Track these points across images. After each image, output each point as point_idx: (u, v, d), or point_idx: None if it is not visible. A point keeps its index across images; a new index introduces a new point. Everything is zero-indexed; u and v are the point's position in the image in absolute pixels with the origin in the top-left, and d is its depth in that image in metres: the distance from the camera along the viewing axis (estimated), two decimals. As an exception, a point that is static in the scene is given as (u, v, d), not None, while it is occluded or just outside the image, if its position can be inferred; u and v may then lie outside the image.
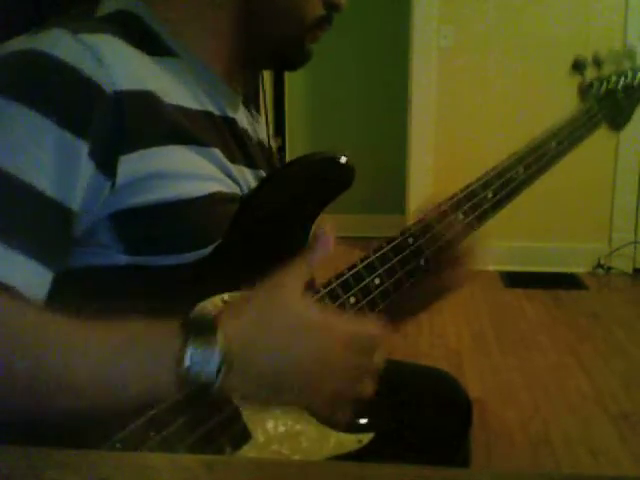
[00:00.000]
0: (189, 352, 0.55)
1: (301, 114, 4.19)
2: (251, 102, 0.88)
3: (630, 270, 3.41)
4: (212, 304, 0.67)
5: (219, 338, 0.56)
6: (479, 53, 3.38)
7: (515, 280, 3.31)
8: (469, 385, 1.02)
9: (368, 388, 0.63)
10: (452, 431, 0.97)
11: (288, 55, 0.80)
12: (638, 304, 3.06)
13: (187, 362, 0.55)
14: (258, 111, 0.93)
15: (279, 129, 3.94)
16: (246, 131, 0.82)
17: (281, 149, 3.69)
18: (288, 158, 3.88)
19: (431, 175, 3.46)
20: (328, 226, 0.66)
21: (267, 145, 0.88)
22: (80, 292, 0.64)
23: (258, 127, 0.88)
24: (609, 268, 3.41)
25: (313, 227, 0.76)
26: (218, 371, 0.55)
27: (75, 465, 0.44)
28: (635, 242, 3.41)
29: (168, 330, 0.57)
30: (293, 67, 0.83)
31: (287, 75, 3.96)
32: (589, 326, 2.74)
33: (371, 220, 4.02)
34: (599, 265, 3.42)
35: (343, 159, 0.75)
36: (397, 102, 3.82)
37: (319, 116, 4.22)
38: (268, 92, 3.80)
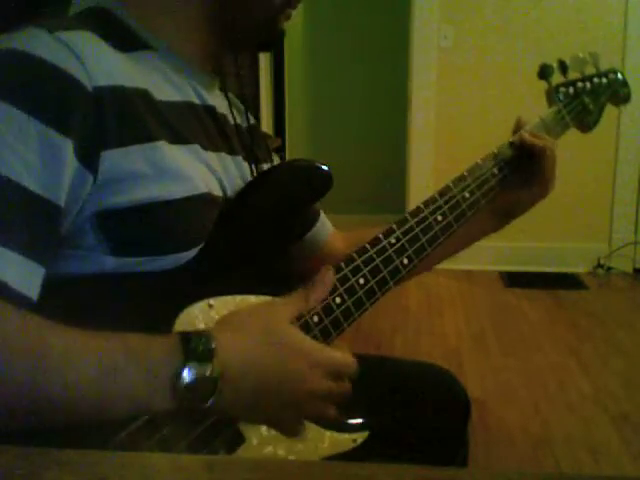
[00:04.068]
0: (187, 369, 0.57)
1: (301, 114, 4.19)
2: (229, 86, 0.87)
3: (630, 270, 3.41)
4: (198, 309, 0.67)
5: (216, 357, 0.58)
6: (479, 53, 3.38)
7: (515, 280, 3.31)
8: (469, 385, 1.01)
9: (331, 411, 0.69)
10: (450, 427, 0.97)
11: (262, 37, 0.81)
12: (638, 304, 3.06)
13: (185, 379, 0.57)
14: (257, 104, 0.94)
15: (279, 129, 3.94)
16: (225, 117, 0.83)
17: (281, 149, 3.68)
18: (288, 158, 3.88)
19: (431, 175, 3.46)
20: (328, 268, 0.73)
21: (246, 126, 0.89)
22: (67, 301, 0.63)
23: (235, 110, 0.88)
24: (609, 268, 3.41)
25: (294, 231, 0.81)
26: (214, 389, 0.58)
27: (75, 465, 0.44)
28: (635, 242, 3.41)
29: (167, 346, 0.58)
30: (267, 48, 0.86)
31: (287, 75, 3.96)
32: (589, 326, 2.74)
33: (371, 220, 4.02)
34: (599, 265, 3.42)
35: (323, 167, 0.78)
36: (397, 102, 3.82)
37: (319, 116, 4.22)
38: (268, 92, 3.81)
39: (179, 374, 0.57)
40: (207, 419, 0.64)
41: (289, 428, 0.68)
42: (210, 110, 0.79)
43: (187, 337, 0.59)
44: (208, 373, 0.58)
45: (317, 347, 0.67)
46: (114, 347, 0.57)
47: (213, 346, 0.59)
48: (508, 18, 3.34)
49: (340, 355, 0.68)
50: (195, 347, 0.58)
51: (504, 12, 3.34)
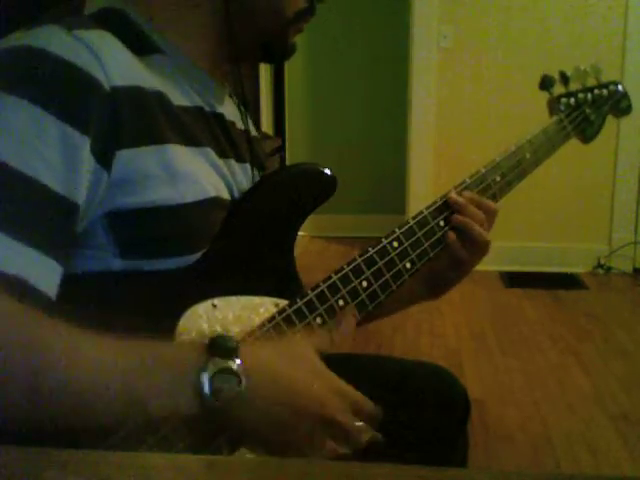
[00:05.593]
0: (211, 376, 0.56)
1: (301, 114, 4.19)
2: (240, 95, 0.87)
3: (630, 270, 3.41)
4: (202, 308, 0.68)
5: (240, 365, 0.58)
6: (479, 53, 3.38)
7: (515, 280, 3.31)
8: (469, 385, 1.02)
9: (341, 448, 0.66)
10: (450, 427, 0.97)
11: (271, 49, 0.80)
12: (638, 304, 3.06)
13: (208, 386, 0.56)
14: (257, 104, 0.94)
15: (279, 129, 3.94)
16: (233, 124, 0.83)
17: (281, 149, 3.69)
18: (288, 158, 3.88)
19: (431, 175, 3.46)
20: (352, 314, 0.75)
21: (251, 134, 0.88)
22: (72, 298, 0.63)
23: (243, 117, 0.88)
24: (609, 268, 3.41)
25: (297, 233, 0.80)
26: (236, 397, 0.57)
27: (75, 465, 0.44)
28: (635, 242, 3.41)
29: (193, 353, 0.58)
30: (277, 61, 0.85)
31: (287, 75, 3.96)
32: (589, 326, 2.74)
33: (371, 220, 4.02)
34: (599, 265, 3.42)
35: (327, 171, 0.79)
36: (397, 102, 3.82)
37: (319, 116, 4.22)
38: (268, 92, 3.80)
39: (205, 372, 0.56)
40: (219, 424, 0.64)
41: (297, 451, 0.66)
42: (219, 117, 0.79)
43: (210, 341, 0.58)
44: (233, 372, 0.57)
45: (340, 379, 0.66)
46: (142, 349, 0.57)
47: (236, 345, 0.58)
48: (508, 18, 3.34)
49: (360, 394, 0.67)
50: (218, 345, 0.58)
51: (504, 12, 3.34)
